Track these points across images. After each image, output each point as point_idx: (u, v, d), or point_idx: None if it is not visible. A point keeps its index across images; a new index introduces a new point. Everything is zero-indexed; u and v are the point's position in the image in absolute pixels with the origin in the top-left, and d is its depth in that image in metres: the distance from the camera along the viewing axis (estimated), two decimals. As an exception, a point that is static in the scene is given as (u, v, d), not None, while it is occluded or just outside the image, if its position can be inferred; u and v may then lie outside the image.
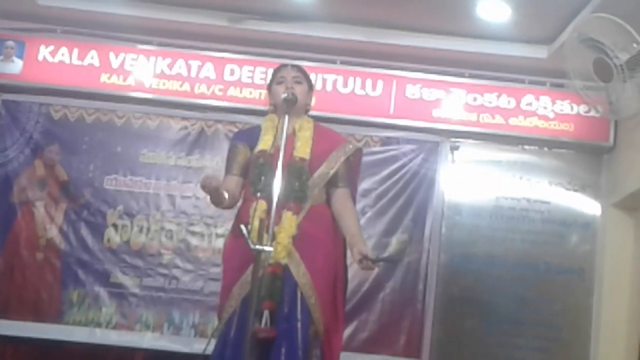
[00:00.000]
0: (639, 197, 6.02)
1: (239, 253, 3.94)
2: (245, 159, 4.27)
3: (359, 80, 6.55)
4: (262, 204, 3.92)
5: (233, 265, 4.10)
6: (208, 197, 4.14)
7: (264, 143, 4.17)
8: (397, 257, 4.23)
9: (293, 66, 4.40)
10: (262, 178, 4.05)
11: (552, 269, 6.43)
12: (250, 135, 4.34)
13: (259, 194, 3.97)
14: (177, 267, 6.34)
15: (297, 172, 4.09)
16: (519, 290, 6.39)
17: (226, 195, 4.09)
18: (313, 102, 4.44)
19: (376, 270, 6.24)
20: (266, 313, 3.93)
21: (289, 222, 4.01)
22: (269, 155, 4.07)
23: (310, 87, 4.42)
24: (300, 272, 4.02)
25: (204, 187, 3.97)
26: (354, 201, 4.39)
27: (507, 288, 6.40)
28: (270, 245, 3.66)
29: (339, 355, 4.22)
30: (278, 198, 3.74)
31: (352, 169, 4.35)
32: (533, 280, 6.40)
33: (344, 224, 4.16)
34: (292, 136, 4.15)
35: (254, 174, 4.13)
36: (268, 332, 3.91)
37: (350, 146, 4.39)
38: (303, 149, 4.15)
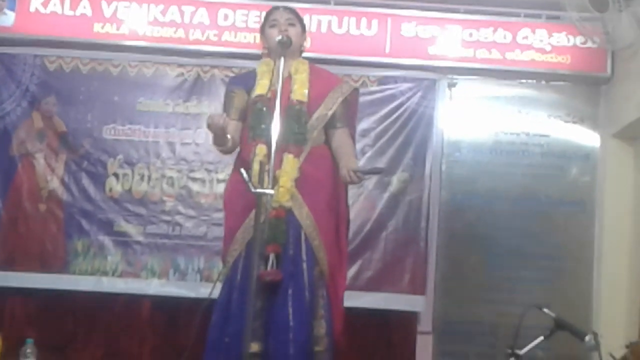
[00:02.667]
0: (637, 127, 6.03)
1: (241, 197, 3.97)
2: (243, 102, 4.28)
3: (353, 20, 6.50)
4: (261, 148, 3.95)
5: (235, 210, 4.13)
6: (211, 138, 4.14)
7: (261, 87, 4.16)
8: (379, 169, 4.31)
9: (285, 8, 4.38)
10: (261, 122, 4.06)
11: (553, 201, 6.46)
12: (246, 80, 4.34)
13: (258, 138, 3.98)
14: (179, 213, 6.36)
15: (296, 114, 4.10)
16: (521, 224, 6.43)
17: (229, 136, 4.11)
18: (308, 43, 4.43)
19: (378, 209, 6.31)
20: (272, 256, 3.97)
21: (291, 165, 4.03)
22: (267, 99, 4.07)
23: (304, 28, 4.41)
24: (303, 214, 4.05)
25: (210, 126, 3.99)
26: (354, 141, 4.41)
27: (509, 222, 6.43)
28: (272, 189, 3.68)
29: (343, 294, 4.27)
30: (277, 141, 3.76)
31: (350, 109, 4.36)
32: (534, 214, 6.43)
33: (340, 154, 4.17)
34: (288, 79, 4.15)
35: (252, 118, 4.14)
36: (274, 274, 3.95)
37: (347, 86, 4.40)
38: (300, 92, 4.16)
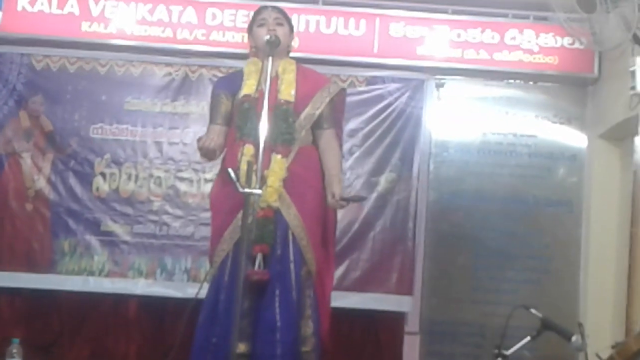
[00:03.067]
0: (624, 128, 6.04)
1: (228, 197, 3.97)
2: (228, 108, 4.29)
3: (341, 20, 6.50)
4: (249, 148, 3.95)
5: (223, 210, 4.13)
6: (198, 152, 4.17)
7: (248, 87, 4.17)
8: (360, 196, 4.36)
9: (273, 8, 4.38)
10: (248, 122, 4.06)
11: (540, 202, 6.48)
12: (232, 82, 4.34)
13: (245, 138, 3.98)
14: (167, 213, 6.35)
15: (283, 114, 4.11)
16: (508, 225, 6.44)
17: (217, 152, 4.15)
18: (295, 43, 4.43)
19: (366, 209, 6.31)
20: (259, 256, 3.97)
21: (279, 165, 4.04)
22: (254, 99, 4.07)
23: (291, 28, 4.42)
24: (291, 214, 4.06)
25: (201, 149, 4.02)
26: (341, 141, 4.43)
27: (496, 222, 6.45)
28: (259, 189, 3.68)
29: (330, 294, 4.27)
30: (265, 141, 3.76)
31: (337, 109, 4.37)
32: (522, 214, 6.45)
33: (325, 163, 4.20)
34: (275, 79, 4.16)
35: (239, 118, 4.14)
36: (261, 274, 3.96)
37: (334, 86, 4.40)
38: (287, 91, 4.16)
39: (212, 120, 4.35)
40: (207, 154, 4.14)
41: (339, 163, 4.33)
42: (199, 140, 4.08)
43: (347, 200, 4.12)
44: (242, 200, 3.59)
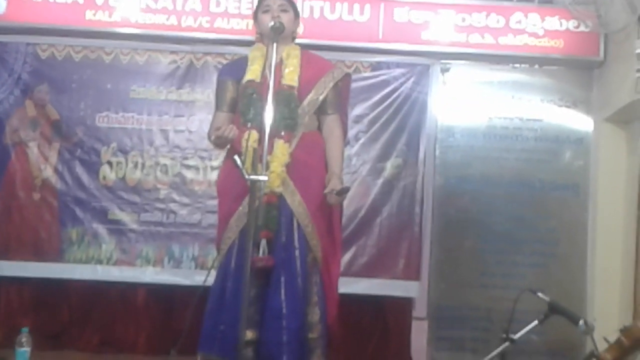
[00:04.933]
0: (630, 111, 6.03)
1: (234, 184, 3.97)
2: (233, 94, 4.29)
3: (346, 5, 6.48)
4: (253, 134, 3.93)
5: (228, 197, 4.13)
6: (213, 139, 4.14)
7: (252, 73, 4.16)
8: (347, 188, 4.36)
9: (278, -6, 4.36)
10: (252, 108, 4.06)
11: (546, 185, 6.47)
12: (237, 68, 4.32)
13: (249, 124, 3.98)
14: (174, 201, 6.36)
15: (286, 99, 4.10)
16: (515, 209, 6.44)
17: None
18: (300, 29, 4.41)
19: (372, 195, 6.31)
20: (263, 242, 3.97)
21: (282, 151, 4.03)
22: (258, 84, 4.07)
23: (297, 14, 4.40)
24: (295, 201, 4.05)
25: (219, 137, 4.00)
26: (345, 126, 4.41)
27: (503, 207, 6.44)
28: (265, 175, 3.67)
29: (337, 280, 4.27)
30: (270, 127, 3.75)
31: (341, 95, 4.36)
32: (528, 198, 6.44)
33: (327, 153, 4.19)
34: (279, 64, 4.15)
35: (243, 104, 4.13)
36: (265, 260, 3.96)
37: (339, 71, 4.38)
38: (291, 77, 4.15)
39: (218, 107, 4.36)
40: (225, 142, 4.12)
41: (339, 156, 4.28)
42: (217, 129, 4.04)
43: (340, 193, 4.08)
44: (246, 187, 3.59)
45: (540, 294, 4.05)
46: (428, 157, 6.41)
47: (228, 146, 4.25)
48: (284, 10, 4.28)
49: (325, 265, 4.13)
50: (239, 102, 4.21)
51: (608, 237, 6.29)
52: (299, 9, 4.57)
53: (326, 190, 4.05)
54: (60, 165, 6.34)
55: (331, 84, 4.26)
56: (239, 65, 4.33)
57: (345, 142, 6.03)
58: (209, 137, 4.28)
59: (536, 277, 6.27)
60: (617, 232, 6.28)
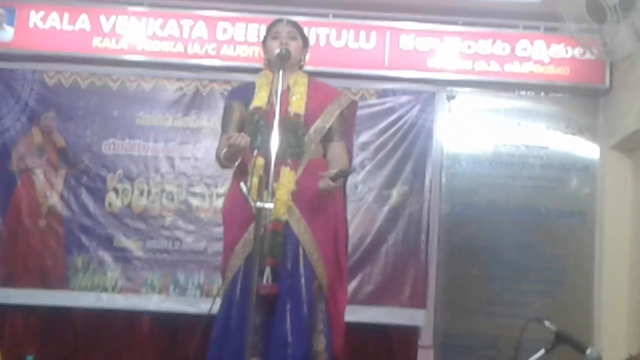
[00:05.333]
0: (636, 138, 6.02)
1: (240, 211, 3.96)
2: (241, 116, 4.27)
3: (352, 33, 6.51)
4: (259, 161, 3.93)
5: (234, 224, 4.12)
6: (223, 154, 4.09)
7: (259, 99, 4.16)
8: (347, 170, 4.25)
9: (288, 21, 4.37)
10: (259, 135, 4.05)
11: (553, 213, 6.45)
12: (244, 93, 4.32)
13: (256, 151, 3.97)
14: (179, 228, 6.35)
15: (293, 127, 4.09)
16: (521, 236, 6.42)
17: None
18: (307, 57, 4.42)
19: (378, 222, 6.30)
20: (267, 270, 3.96)
21: (287, 178, 4.02)
22: (264, 111, 4.07)
23: (306, 43, 4.40)
24: (301, 228, 4.04)
25: (231, 146, 3.96)
26: (350, 154, 4.40)
27: (509, 234, 6.42)
28: (271, 202, 3.67)
29: (344, 309, 4.24)
30: (276, 154, 3.75)
31: (347, 122, 4.35)
32: (535, 226, 6.42)
33: (329, 165, 4.16)
34: (286, 92, 4.15)
35: (249, 130, 4.12)
36: (270, 288, 3.93)
37: (345, 99, 4.38)
38: (298, 104, 4.14)
39: (224, 130, 4.29)
40: (236, 153, 4.08)
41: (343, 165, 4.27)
42: (229, 138, 3.98)
43: (336, 177, 4.02)
44: (252, 214, 3.59)
45: (547, 323, 4.03)
46: (434, 184, 6.40)
47: (234, 169, 4.24)
48: (293, 38, 4.28)
49: (331, 293, 4.11)
50: (246, 128, 4.20)
51: (615, 265, 6.27)
52: (306, 36, 4.58)
53: (322, 179, 4.00)
54: (66, 192, 6.35)
55: (337, 112, 4.25)
56: (246, 90, 4.32)
57: (351, 170, 6.08)
58: (217, 158, 4.23)
59: (543, 305, 6.24)
60: (624, 260, 6.26)
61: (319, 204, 4.10)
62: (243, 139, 3.94)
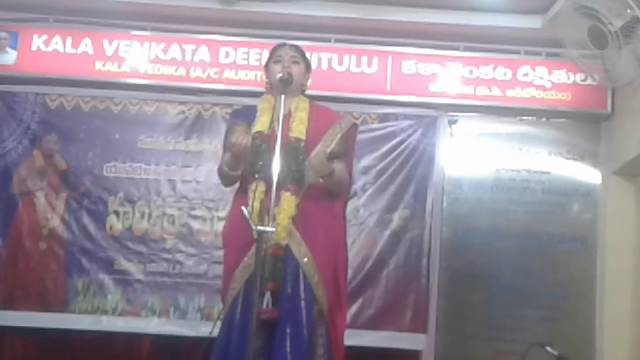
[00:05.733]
0: (638, 164, 6.02)
1: (240, 235, 3.94)
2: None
3: (354, 57, 6.53)
4: (261, 186, 3.92)
5: (235, 248, 4.09)
6: (227, 161, 4.07)
7: (261, 124, 4.14)
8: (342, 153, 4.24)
9: (292, 46, 4.36)
10: (260, 160, 4.04)
11: (554, 239, 6.45)
12: (247, 115, 4.29)
13: (257, 176, 3.96)
14: (180, 252, 6.36)
15: (294, 152, 4.07)
16: (523, 262, 6.42)
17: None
18: (310, 82, 4.41)
19: (379, 247, 6.30)
20: (268, 294, 3.94)
21: (288, 203, 4.00)
22: (266, 136, 4.06)
23: (308, 68, 4.39)
24: (302, 252, 4.02)
25: (234, 145, 3.95)
26: (350, 176, 4.37)
27: (510, 260, 6.42)
28: (272, 226, 3.66)
29: (343, 333, 4.22)
30: (277, 179, 3.74)
31: (348, 145, 4.32)
32: (536, 251, 6.42)
33: None
34: (288, 117, 4.13)
35: (251, 155, 4.10)
36: (270, 313, 3.91)
37: (346, 122, 4.34)
38: (299, 129, 4.13)
39: (226, 149, 4.28)
40: (239, 157, 4.04)
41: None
42: (232, 144, 3.98)
43: (332, 157, 4.01)
44: (252, 238, 3.58)
45: (549, 349, 4.02)
46: (436, 209, 6.41)
47: (235, 193, 4.23)
48: (296, 63, 4.28)
49: (331, 317, 4.10)
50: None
51: (617, 291, 6.25)
52: (308, 60, 4.58)
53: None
54: (67, 215, 6.36)
55: (339, 135, 4.23)
56: (249, 112, 4.30)
57: (352, 194, 6.08)
58: (220, 173, 4.21)
59: (544, 331, 6.22)
60: (626, 286, 6.25)
61: (320, 229, 4.09)
62: (245, 139, 3.95)
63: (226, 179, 4.23)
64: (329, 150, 4.17)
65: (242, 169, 4.11)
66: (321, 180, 4.03)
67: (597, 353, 6.23)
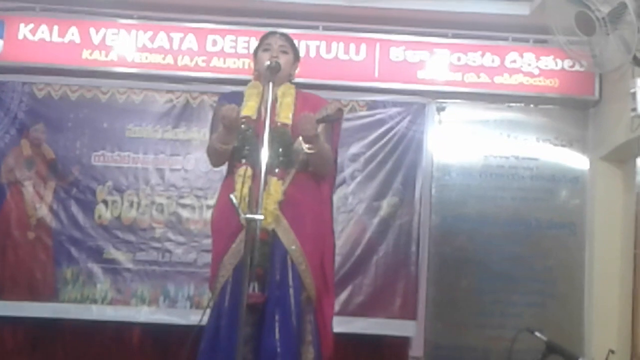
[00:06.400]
0: (626, 149, 6.03)
1: (227, 222, 3.95)
2: None
3: (342, 45, 6.52)
4: (248, 171, 3.92)
5: (222, 235, 4.09)
6: (220, 135, 4.03)
7: (248, 109, 4.13)
8: (334, 116, 4.20)
9: (281, 35, 4.36)
10: (247, 145, 4.04)
11: (543, 224, 6.47)
12: (234, 98, 4.27)
13: (244, 161, 3.96)
14: (169, 240, 6.35)
15: (280, 137, 4.07)
16: (512, 248, 6.44)
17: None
18: (297, 71, 4.40)
19: (368, 234, 6.30)
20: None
21: (275, 188, 4.00)
22: (253, 121, 4.05)
23: (297, 57, 4.39)
24: (289, 239, 4.02)
25: (224, 118, 3.94)
26: (335, 161, 4.35)
27: (499, 246, 6.44)
28: (260, 213, 3.66)
29: (331, 320, 4.23)
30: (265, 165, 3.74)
31: (334, 130, 4.31)
32: (525, 237, 6.44)
33: None
34: (274, 103, 4.14)
35: (238, 140, 4.09)
36: (257, 297, 3.91)
37: (332, 107, 4.34)
38: (285, 114, 4.13)
39: (213, 130, 4.24)
40: (230, 132, 4.00)
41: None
42: (223, 117, 3.94)
43: (322, 120, 4.00)
44: (240, 225, 3.58)
45: (537, 334, 4.03)
46: (424, 195, 6.41)
47: (222, 181, 4.23)
48: (284, 52, 4.27)
49: (318, 304, 4.10)
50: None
51: (605, 276, 6.28)
52: (295, 47, 4.57)
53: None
54: (55, 205, 6.34)
55: (324, 118, 4.23)
56: (236, 96, 4.28)
57: (341, 181, 6.08)
58: (209, 152, 4.19)
59: (533, 316, 6.25)
60: (614, 271, 6.27)
61: (307, 215, 4.09)
62: (235, 110, 3.94)
63: (216, 157, 4.20)
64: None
65: (233, 142, 4.09)
66: (307, 149, 3.99)
67: (586, 337, 6.26)
